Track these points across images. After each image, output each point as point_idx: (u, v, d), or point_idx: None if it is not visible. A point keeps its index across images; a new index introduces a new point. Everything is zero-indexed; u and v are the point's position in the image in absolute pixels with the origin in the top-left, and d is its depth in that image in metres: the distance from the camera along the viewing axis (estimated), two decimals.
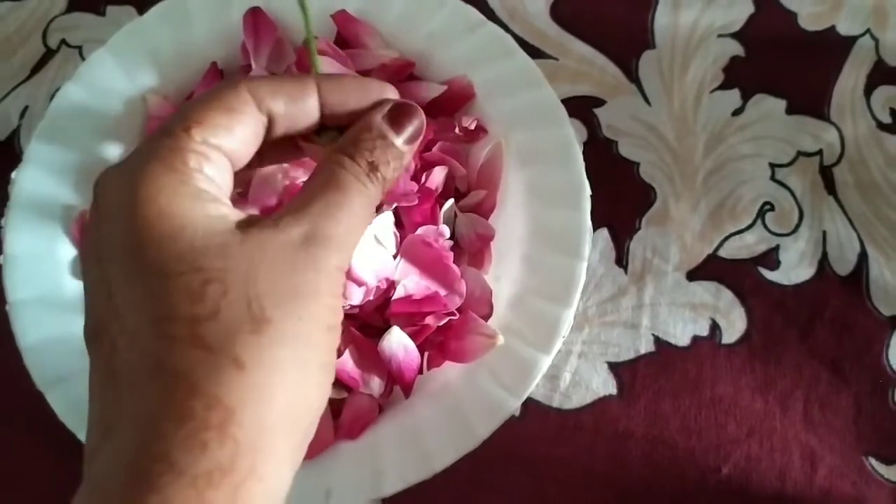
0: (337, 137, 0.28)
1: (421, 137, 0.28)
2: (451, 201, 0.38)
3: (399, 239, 0.36)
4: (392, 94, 0.29)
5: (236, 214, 0.25)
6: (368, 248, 0.34)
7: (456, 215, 0.38)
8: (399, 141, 0.27)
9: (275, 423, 0.23)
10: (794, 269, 0.40)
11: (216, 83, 0.40)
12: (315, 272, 0.24)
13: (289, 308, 0.23)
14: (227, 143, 0.26)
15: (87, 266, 0.25)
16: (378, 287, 0.35)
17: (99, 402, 0.24)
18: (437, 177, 0.38)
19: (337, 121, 0.28)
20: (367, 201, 0.26)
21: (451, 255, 0.37)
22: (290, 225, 0.25)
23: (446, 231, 0.37)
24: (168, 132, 0.25)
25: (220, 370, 0.22)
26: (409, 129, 0.28)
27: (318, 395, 0.25)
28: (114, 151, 0.40)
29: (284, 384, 0.23)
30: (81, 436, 0.35)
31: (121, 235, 0.24)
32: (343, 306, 0.29)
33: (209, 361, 0.22)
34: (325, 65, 0.38)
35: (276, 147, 0.29)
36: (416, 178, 0.38)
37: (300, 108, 0.27)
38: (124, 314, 0.23)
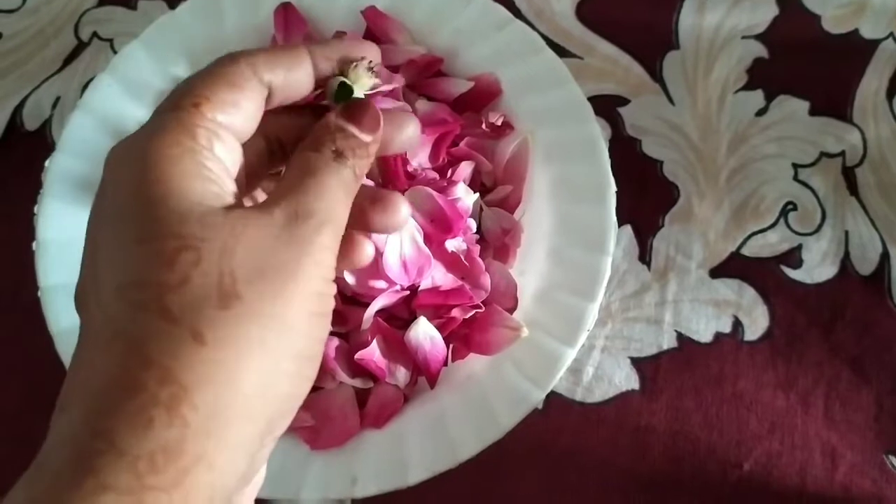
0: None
1: (381, 126, 0.28)
2: (476, 195, 0.38)
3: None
4: (374, 52, 0.29)
5: (230, 197, 0.24)
6: (399, 249, 0.35)
7: (482, 210, 0.39)
8: (357, 131, 0.27)
9: (233, 408, 0.21)
10: (817, 268, 0.41)
11: None
12: (298, 250, 0.23)
13: (263, 287, 0.22)
14: (235, 120, 0.25)
15: (86, 232, 0.24)
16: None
17: (69, 371, 0.22)
18: (464, 171, 0.38)
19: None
20: (341, 181, 0.26)
21: (477, 248, 0.37)
22: (272, 206, 0.24)
23: (473, 225, 0.38)
24: (177, 106, 0.24)
25: (178, 343, 0.20)
26: (367, 121, 0.27)
27: (289, 384, 0.23)
28: None
29: (249, 367, 0.21)
30: None
31: (115, 201, 0.23)
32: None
33: (169, 332, 0.21)
34: None
35: (273, 117, 0.28)
36: (442, 172, 0.38)
37: (296, 77, 0.27)
38: (100, 278, 0.22)
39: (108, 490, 0.19)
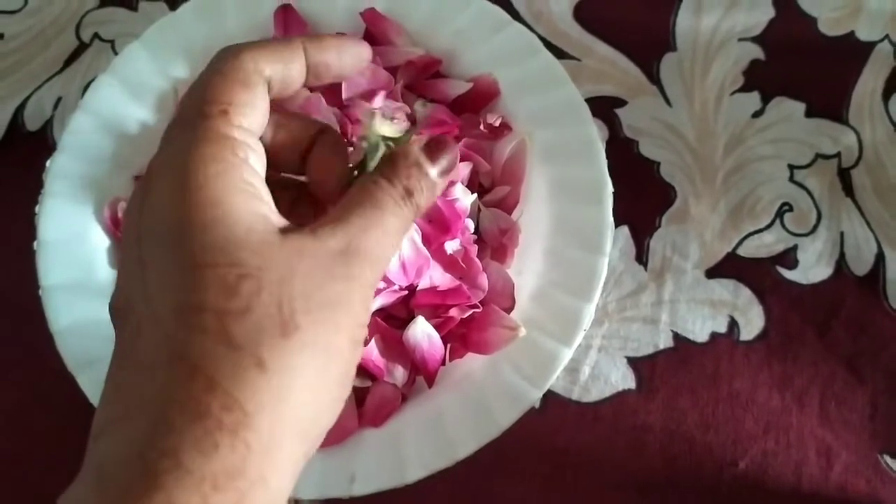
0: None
1: (454, 170, 0.29)
2: (474, 196, 0.39)
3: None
4: (366, 52, 0.31)
5: (276, 217, 0.25)
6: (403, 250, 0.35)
7: (480, 210, 0.39)
8: (433, 172, 0.28)
9: (288, 431, 0.22)
10: (812, 268, 0.41)
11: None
12: (349, 284, 0.24)
13: (319, 316, 0.23)
14: (256, 124, 0.26)
15: (125, 244, 0.25)
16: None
17: (113, 382, 0.23)
18: (462, 172, 0.39)
19: (320, 82, 0.30)
20: (401, 223, 0.27)
21: (475, 248, 0.37)
22: (328, 235, 0.25)
23: (471, 225, 0.38)
24: (205, 115, 0.25)
25: (242, 369, 0.22)
26: (443, 162, 0.28)
27: (331, 409, 0.24)
28: (145, 142, 0.41)
29: (303, 392, 0.23)
30: None
31: (165, 219, 0.24)
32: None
33: (232, 359, 0.22)
34: None
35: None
36: None
37: (292, 70, 0.28)
38: (153, 297, 0.23)
39: None
